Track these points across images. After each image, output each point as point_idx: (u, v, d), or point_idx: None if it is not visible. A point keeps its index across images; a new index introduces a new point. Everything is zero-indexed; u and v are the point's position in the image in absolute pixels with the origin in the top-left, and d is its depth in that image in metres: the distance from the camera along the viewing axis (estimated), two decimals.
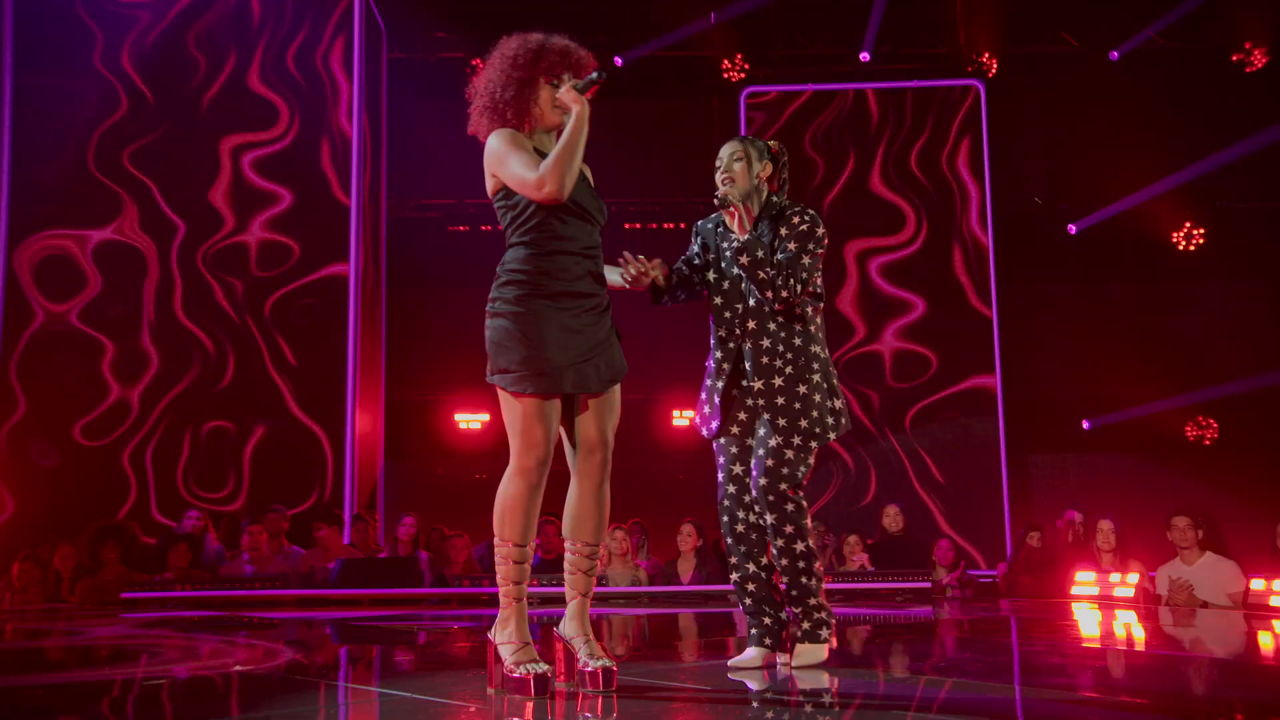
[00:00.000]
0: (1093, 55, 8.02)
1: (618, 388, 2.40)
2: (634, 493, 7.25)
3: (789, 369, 2.73)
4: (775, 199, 2.85)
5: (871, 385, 7.82)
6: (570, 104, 2.31)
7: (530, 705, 2.13)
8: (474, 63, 7.65)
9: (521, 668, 2.20)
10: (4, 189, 7.43)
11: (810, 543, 2.74)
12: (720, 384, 2.82)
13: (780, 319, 2.75)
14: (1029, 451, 8.11)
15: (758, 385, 2.75)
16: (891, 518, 6.83)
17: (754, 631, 2.79)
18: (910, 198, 7.94)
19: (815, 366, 2.75)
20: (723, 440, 2.85)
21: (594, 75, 2.33)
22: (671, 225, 8.69)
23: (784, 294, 2.65)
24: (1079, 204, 8.11)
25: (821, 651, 2.74)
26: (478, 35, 8.36)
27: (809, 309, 2.78)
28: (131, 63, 7.40)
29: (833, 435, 2.77)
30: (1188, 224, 7.93)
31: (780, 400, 2.71)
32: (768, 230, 2.78)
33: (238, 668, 3.01)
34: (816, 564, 2.75)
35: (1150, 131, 7.83)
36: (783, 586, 2.77)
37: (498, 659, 2.27)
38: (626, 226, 8.62)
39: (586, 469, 2.36)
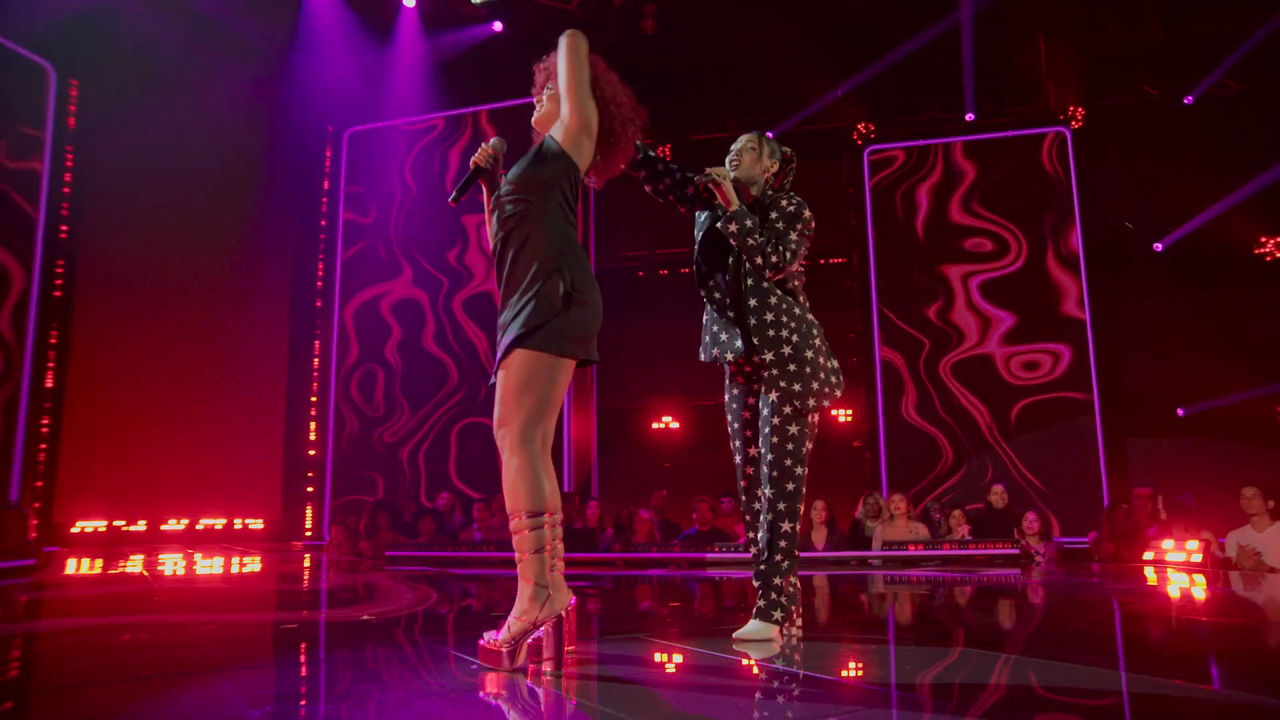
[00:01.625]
0: (1170, 101, 9.40)
1: None
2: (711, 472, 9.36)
3: (795, 337, 2.89)
4: (771, 193, 3.05)
5: (984, 385, 9.47)
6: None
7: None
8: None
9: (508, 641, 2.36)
10: (337, 262, 10.76)
11: (795, 526, 2.86)
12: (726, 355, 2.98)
13: (779, 292, 2.93)
14: (1127, 436, 9.43)
15: (768, 356, 2.90)
16: (998, 496, 7.92)
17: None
18: (1011, 227, 9.60)
19: (815, 333, 2.94)
20: (735, 424, 3.08)
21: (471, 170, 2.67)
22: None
23: (774, 259, 2.84)
24: (1163, 225, 9.42)
25: (769, 631, 2.81)
26: (651, 123, 10.93)
27: (797, 283, 2.98)
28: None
29: (838, 393, 2.97)
30: (1265, 238, 9.09)
31: (792, 367, 2.87)
32: (757, 216, 2.96)
33: (453, 606, 4.50)
34: (793, 548, 2.86)
35: (1223, 159, 9.04)
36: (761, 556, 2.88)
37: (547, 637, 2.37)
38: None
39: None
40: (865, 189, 9.99)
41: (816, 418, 2.93)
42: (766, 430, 2.88)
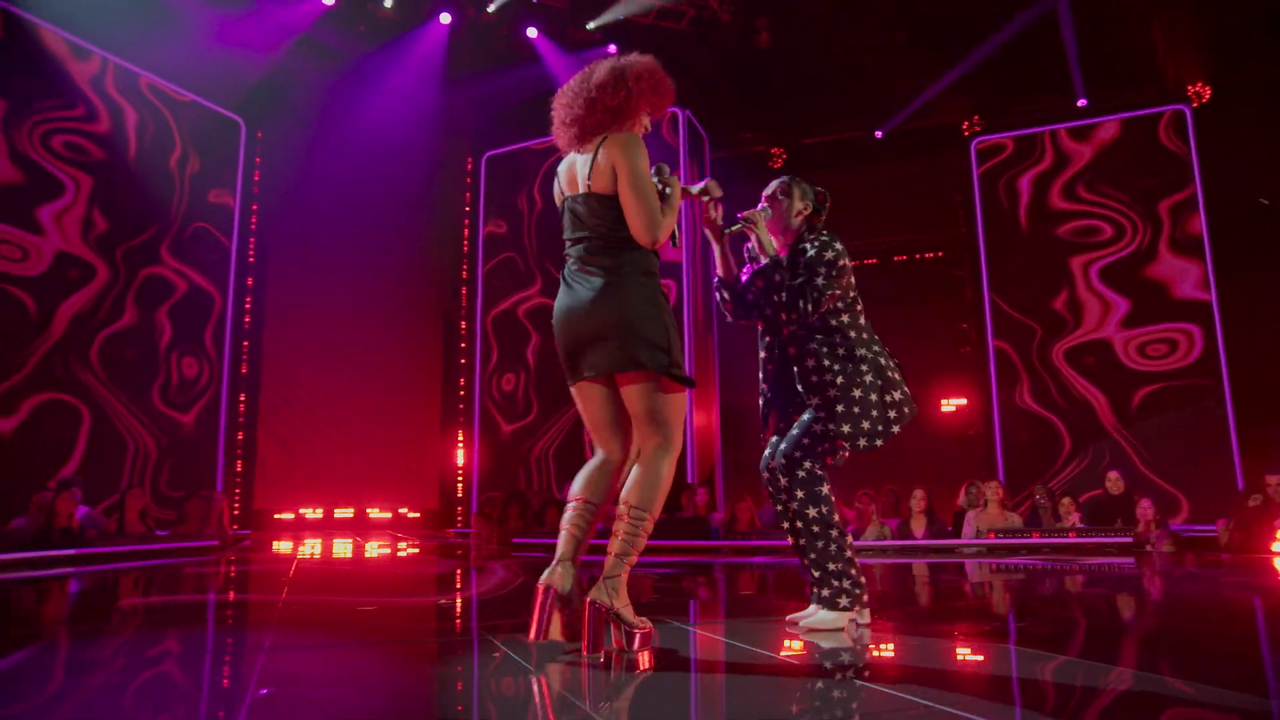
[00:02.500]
0: None
1: None
2: (882, 465, 9.60)
3: (839, 379, 2.89)
4: (805, 234, 3.05)
5: (1103, 371, 9.32)
6: (675, 193, 2.69)
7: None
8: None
9: (643, 626, 2.49)
10: (479, 274, 11.87)
11: (823, 510, 2.87)
12: (771, 394, 3.12)
13: (819, 335, 2.94)
14: (1264, 423, 9.02)
15: (814, 401, 2.94)
16: (1113, 482, 7.87)
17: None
18: (1126, 210, 9.41)
19: (864, 369, 2.90)
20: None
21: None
22: (904, 258, 10.92)
23: (794, 315, 2.87)
24: None
25: (838, 619, 2.82)
26: (768, 132, 11.41)
27: (843, 317, 2.95)
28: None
29: (895, 428, 2.92)
30: None
31: (840, 408, 2.88)
32: (788, 261, 2.98)
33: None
34: (833, 531, 2.86)
35: None
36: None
37: (607, 621, 2.46)
38: (868, 263, 11.02)
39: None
40: (973, 180, 10.05)
41: (844, 451, 2.97)
42: (796, 431, 2.97)
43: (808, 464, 2.88)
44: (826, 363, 2.89)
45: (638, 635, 2.46)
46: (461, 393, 12.07)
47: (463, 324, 12.18)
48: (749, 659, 2.57)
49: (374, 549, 8.15)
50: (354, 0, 9.89)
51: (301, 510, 12.22)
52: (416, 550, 8.13)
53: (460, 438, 12.00)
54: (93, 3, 8.98)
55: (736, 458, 11.35)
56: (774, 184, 3.15)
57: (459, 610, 3.92)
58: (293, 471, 12.02)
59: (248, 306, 11.28)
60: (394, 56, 10.55)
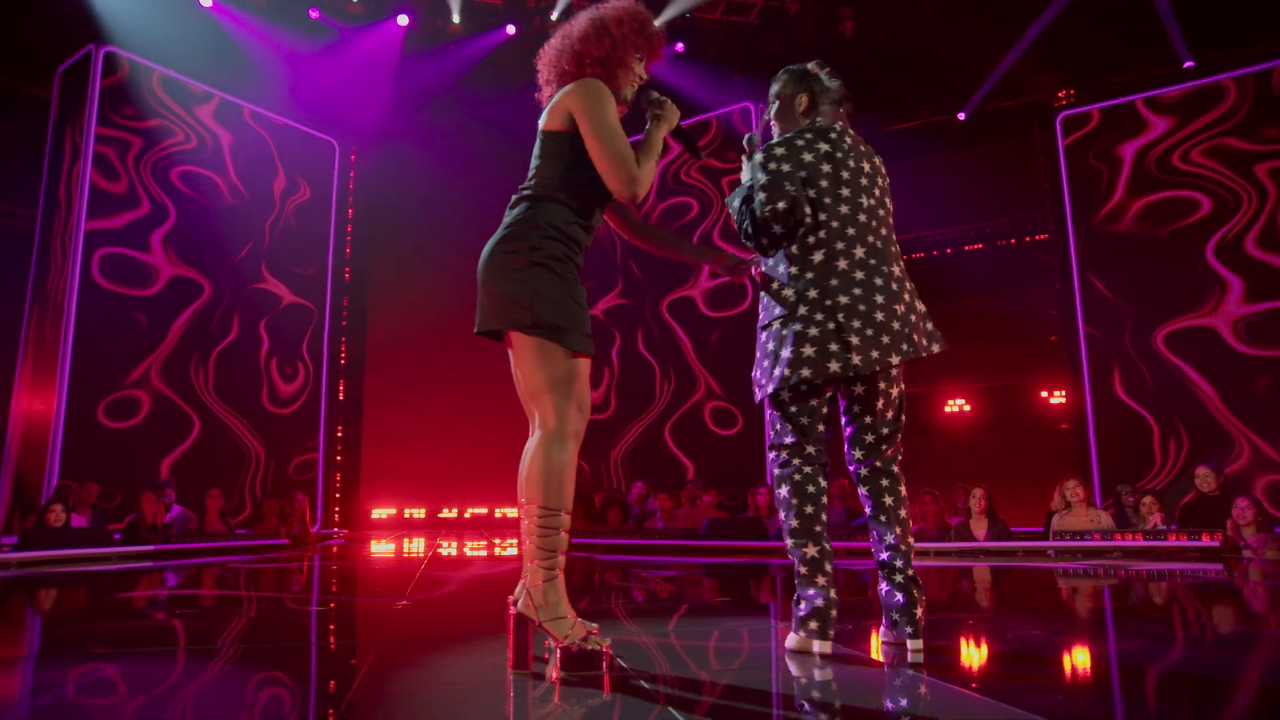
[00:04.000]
0: None
1: None
2: (960, 462, 9.15)
3: (760, 315, 2.61)
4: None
5: (1211, 357, 8.50)
6: (670, 109, 2.50)
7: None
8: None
9: (589, 641, 2.22)
10: None
11: (781, 514, 2.52)
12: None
13: (767, 260, 2.58)
14: None
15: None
16: (1202, 478, 7.11)
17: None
18: (1238, 178, 8.56)
19: (775, 312, 2.51)
20: None
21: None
22: (988, 244, 10.29)
23: (747, 234, 2.53)
24: None
25: (796, 640, 2.46)
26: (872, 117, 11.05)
27: (791, 247, 2.50)
28: None
29: (771, 389, 2.50)
30: None
31: (758, 345, 2.59)
32: None
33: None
34: (788, 539, 2.50)
35: None
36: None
37: (541, 632, 2.24)
38: (967, 249, 10.47)
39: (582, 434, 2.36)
40: (1060, 156, 9.40)
41: (797, 412, 2.50)
42: None
43: (778, 457, 2.57)
44: (762, 295, 2.60)
45: (559, 649, 2.21)
46: None
47: None
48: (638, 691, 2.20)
49: (443, 547, 8.44)
50: (427, 20, 10.28)
51: (406, 510, 12.82)
52: (482, 549, 8.36)
53: None
54: (201, 46, 9.81)
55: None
56: (770, 94, 2.75)
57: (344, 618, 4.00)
58: (397, 472, 12.62)
59: (345, 315, 11.91)
60: (467, 69, 10.89)
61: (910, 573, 2.48)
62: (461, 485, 12.89)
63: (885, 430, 2.56)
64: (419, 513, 12.84)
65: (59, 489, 7.37)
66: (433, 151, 11.88)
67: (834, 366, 2.41)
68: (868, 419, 2.55)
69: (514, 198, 2.46)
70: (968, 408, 10.37)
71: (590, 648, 2.22)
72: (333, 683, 2.30)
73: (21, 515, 8.01)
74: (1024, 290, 9.97)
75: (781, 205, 2.46)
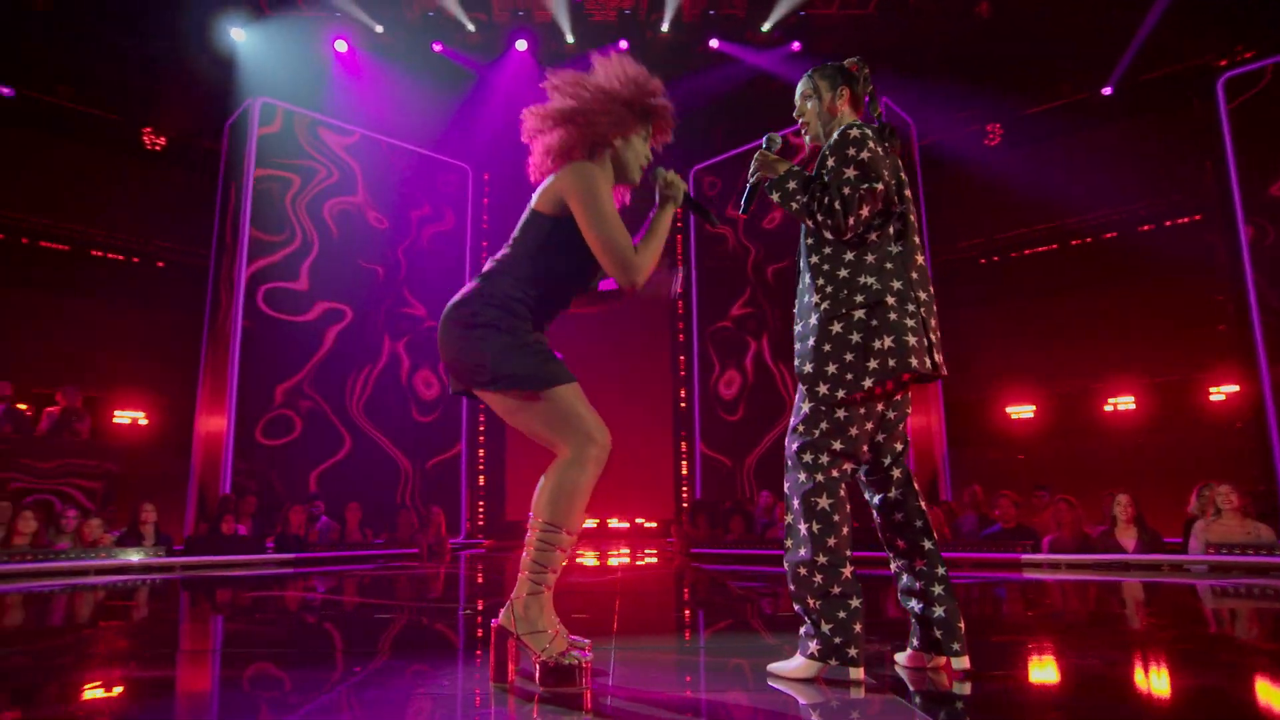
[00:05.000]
0: None
1: None
2: (1114, 466, 8.36)
3: (825, 304, 2.37)
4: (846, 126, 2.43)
5: None
6: (677, 186, 2.47)
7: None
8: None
9: (569, 656, 2.21)
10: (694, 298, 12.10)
11: (815, 527, 2.31)
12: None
13: (828, 248, 2.41)
14: None
15: (796, 329, 2.47)
16: None
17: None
18: None
19: (859, 300, 2.33)
20: None
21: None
22: (1146, 227, 9.35)
23: (819, 215, 2.35)
24: None
25: (805, 668, 2.31)
26: (980, 108, 10.46)
27: (873, 235, 2.37)
28: None
29: (867, 383, 2.30)
30: None
31: (810, 342, 2.39)
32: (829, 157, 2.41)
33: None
34: (821, 557, 2.30)
35: None
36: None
37: (521, 648, 2.25)
38: (1106, 237, 9.58)
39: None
40: (1223, 124, 8.46)
41: (845, 418, 2.36)
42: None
43: (816, 462, 2.36)
44: (821, 281, 2.41)
45: (538, 665, 2.22)
46: (682, 404, 12.35)
47: (681, 334, 12.47)
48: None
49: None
50: (545, 42, 10.59)
51: None
52: (615, 559, 8.47)
53: (683, 448, 12.28)
54: (342, 87, 10.58)
55: (963, 456, 10.49)
56: (797, 90, 2.63)
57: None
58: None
59: None
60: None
61: (950, 585, 2.40)
62: (603, 496, 13.11)
63: (907, 438, 2.54)
64: None
65: (222, 501, 8.11)
66: None
67: (924, 364, 2.32)
68: (901, 426, 2.50)
69: (491, 259, 2.49)
70: (1130, 405, 9.51)
71: (568, 663, 2.21)
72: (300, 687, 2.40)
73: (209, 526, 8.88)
74: (1180, 275, 9.03)
75: (878, 185, 2.33)
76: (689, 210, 2.55)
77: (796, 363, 2.45)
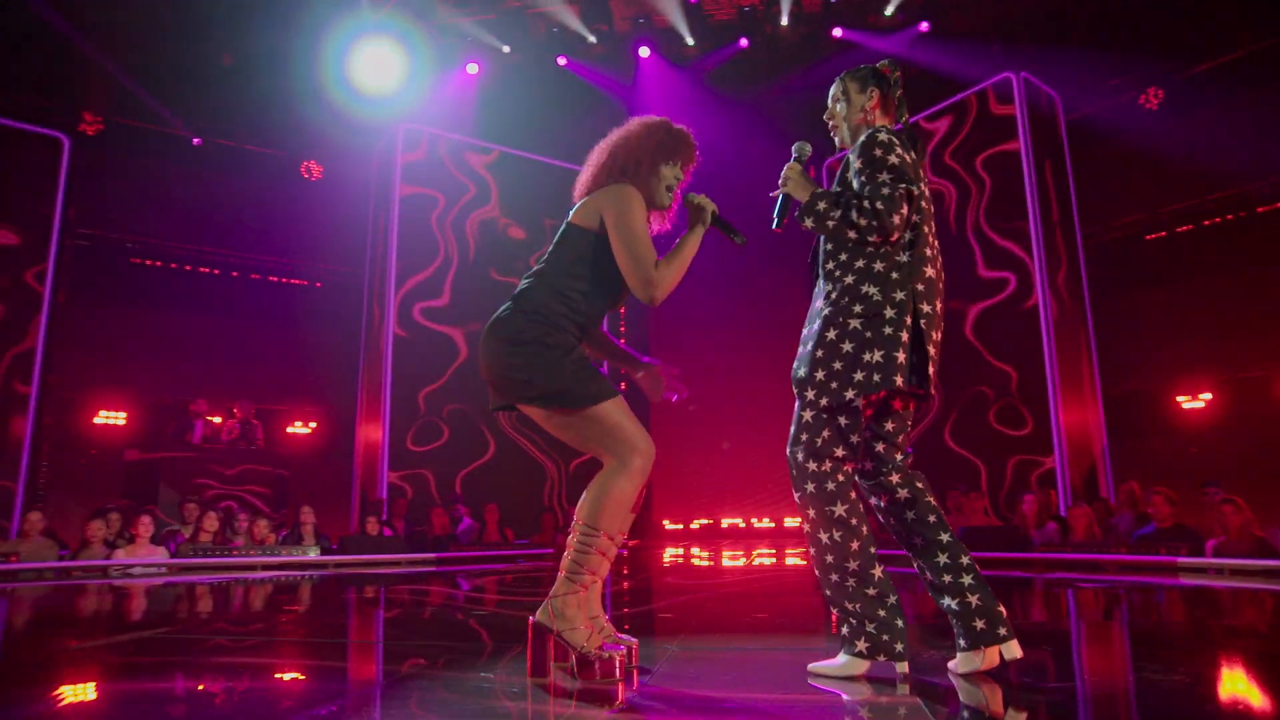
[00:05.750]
0: None
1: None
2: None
3: (827, 310, 2.36)
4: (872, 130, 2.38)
5: None
6: (705, 208, 2.59)
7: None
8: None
9: (604, 652, 2.33)
10: None
11: (835, 535, 2.31)
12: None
13: (844, 254, 2.37)
14: None
15: (803, 333, 2.46)
16: None
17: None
18: None
19: (857, 309, 2.30)
20: None
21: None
22: None
23: (860, 221, 2.28)
24: None
25: (850, 665, 2.31)
26: (1137, 72, 9.67)
27: (882, 246, 2.32)
28: None
29: (849, 394, 2.28)
30: None
31: (808, 347, 2.38)
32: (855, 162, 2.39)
33: None
34: (851, 563, 2.30)
35: None
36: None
37: (557, 645, 2.36)
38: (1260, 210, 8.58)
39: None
40: None
41: (847, 425, 2.32)
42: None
43: (821, 469, 2.34)
44: (830, 289, 2.40)
45: (577, 659, 2.33)
46: None
47: None
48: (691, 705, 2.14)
49: (699, 558, 8.67)
50: (667, 47, 10.70)
51: (692, 521, 13.27)
52: (739, 559, 8.45)
53: None
54: (479, 108, 11.12)
55: (1126, 449, 9.73)
56: (830, 92, 2.62)
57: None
58: (685, 483, 13.14)
59: (622, 332, 12.66)
60: (705, 83, 11.14)
61: (979, 573, 2.34)
62: (749, 495, 13.09)
63: (908, 450, 2.50)
64: (706, 522, 13.23)
65: (373, 504, 8.71)
66: (703, 171, 12.22)
67: (909, 381, 2.31)
68: (900, 438, 2.47)
69: (524, 275, 2.62)
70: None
71: (605, 657, 2.31)
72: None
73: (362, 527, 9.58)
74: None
75: (914, 188, 2.32)
76: (718, 229, 2.62)
77: (794, 366, 2.44)
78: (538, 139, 11.53)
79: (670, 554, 9.10)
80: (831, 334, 2.34)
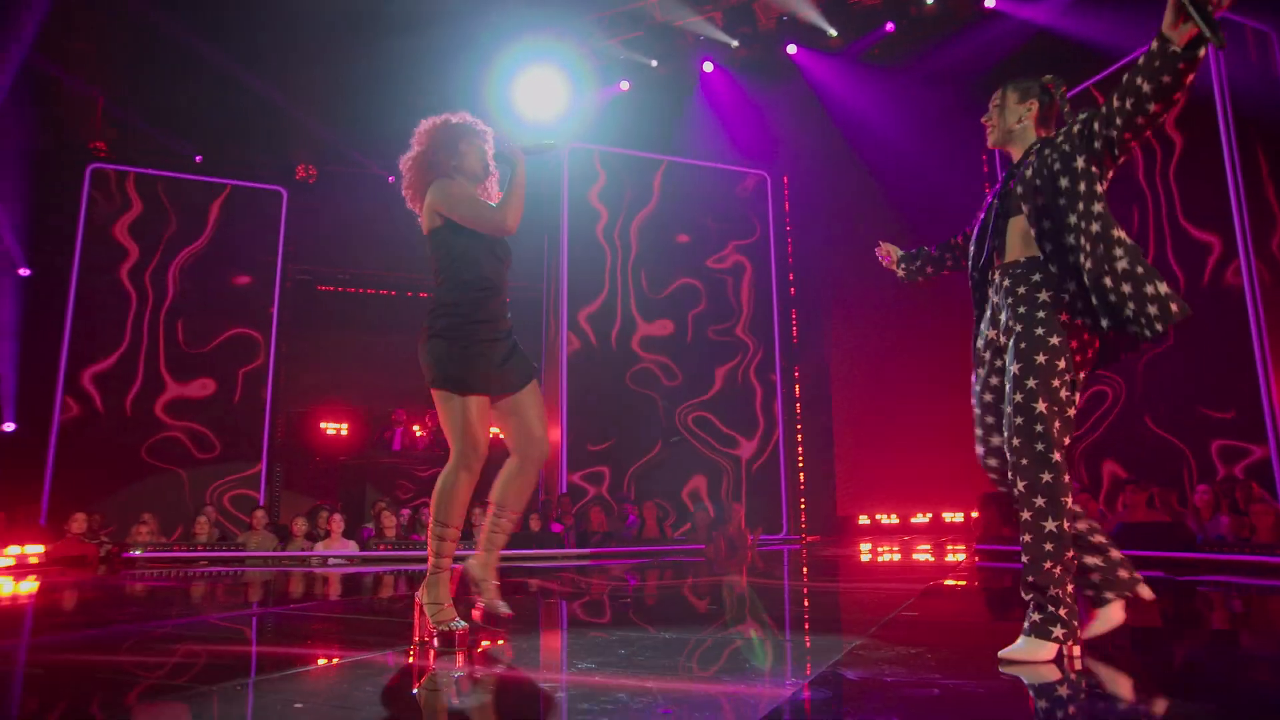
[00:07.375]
0: None
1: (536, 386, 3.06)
2: None
3: (1022, 309, 2.51)
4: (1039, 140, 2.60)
5: None
6: (507, 148, 2.99)
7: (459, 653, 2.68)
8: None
9: (444, 625, 2.78)
10: None
11: (1063, 523, 2.36)
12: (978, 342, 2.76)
13: (1081, 203, 2.42)
14: None
15: (1005, 307, 2.56)
16: None
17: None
18: None
19: (1118, 253, 2.40)
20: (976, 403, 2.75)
21: (549, 143, 3.03)
22: None
23: (1120, 134, 2.39)
24: None
25: (1044, 650, 2.35)
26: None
27: (1095, 206, 2.41)
28: None
29: (1143, 328, 2.33)
30: None
31: (1034, 331, 2.46)
32: (1033, 165, 2.52)
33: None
34: (1067, 552, 2.36)
35: None
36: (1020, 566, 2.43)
37: (423, 614, 2.84)
38: None
39: (531, 454, 3.01)
40: None
41: (1072, 400, 2.43)
42: (1009, 409, 2.46)
43: (1052, 455, 2.38)
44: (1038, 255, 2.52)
45: (436, 632, 2.78)
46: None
47: None
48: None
49: (862, 553, 8.55)
50: (811, 40, 10.58)
51: (877, 515, 12.92)
52: (896, 554, 8.27)
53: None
54: (643, 121, 11.59)
55: None
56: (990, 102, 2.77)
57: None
58: (867, 478, 12.88)
59: (794, 335, 12.58)
60: (851, 74, 10.89)
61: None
62: (933, 490, 12.62)
63: None
64: (892, 518, 12.86)
65: (543, 503, 9.35)
66: (856, 165, 12.02)
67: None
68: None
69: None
70: None
71: (451, 629, 2.77)
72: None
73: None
74: None
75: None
76: (532, 155, 2.98)
77: (1096, 308, 2.39)
78: (698, 143, 11.78)
79: (839, 550, 9.00)
80: (1037, 330, 2.45)
